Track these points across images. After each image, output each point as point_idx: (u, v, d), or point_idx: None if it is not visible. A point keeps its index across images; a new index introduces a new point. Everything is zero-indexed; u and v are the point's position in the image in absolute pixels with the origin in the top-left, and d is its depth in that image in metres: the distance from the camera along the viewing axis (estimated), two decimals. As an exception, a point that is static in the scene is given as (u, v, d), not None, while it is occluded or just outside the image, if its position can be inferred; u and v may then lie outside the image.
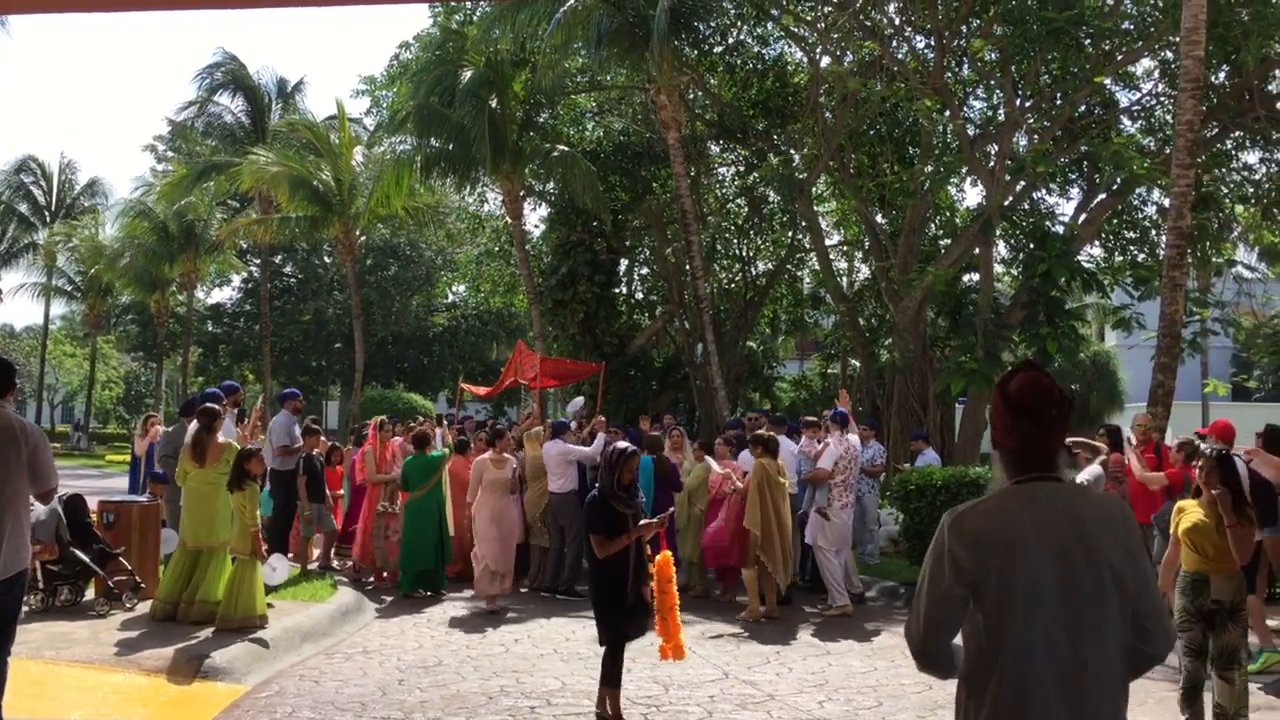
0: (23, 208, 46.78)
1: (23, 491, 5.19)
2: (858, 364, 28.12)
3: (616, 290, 26.27)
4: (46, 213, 46.97)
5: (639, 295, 28.68)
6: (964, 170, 20.54)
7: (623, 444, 6.98)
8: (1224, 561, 6.12)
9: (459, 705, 6.93)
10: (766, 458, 10.31)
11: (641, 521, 6.67)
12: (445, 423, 15.40)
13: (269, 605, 9.00)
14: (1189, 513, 6.34)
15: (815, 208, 23.07)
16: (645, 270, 28.65)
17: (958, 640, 2.81)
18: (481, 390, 23.21)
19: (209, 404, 9.45)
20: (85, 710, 6.33)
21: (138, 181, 47.31)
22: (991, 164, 18.98)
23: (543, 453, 11.88)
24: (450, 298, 45.51)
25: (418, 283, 42.98)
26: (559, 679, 7.73)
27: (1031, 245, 18.90)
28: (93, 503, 10.11)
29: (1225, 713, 6.07)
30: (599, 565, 6.59)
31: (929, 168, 19.77)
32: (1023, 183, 18.92)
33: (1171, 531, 6.47)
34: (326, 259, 42.94)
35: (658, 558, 6.68)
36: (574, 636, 9.35)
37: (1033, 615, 2.64)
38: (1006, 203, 18.66)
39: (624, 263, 26.83)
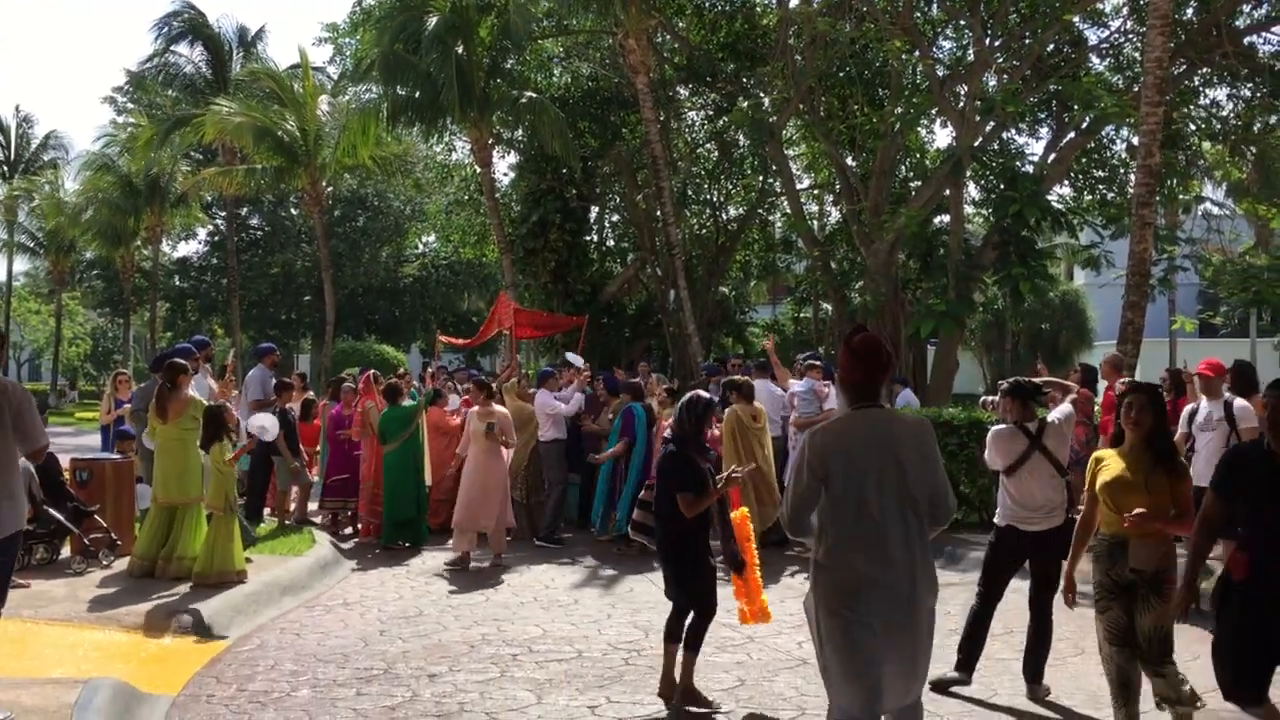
0: (-22, 162, 45.98)
1: (10, 452, 5.15)
2: (829, 307, 28.24)
3: (588, 238, 26.15)
4: (5, 167, 46.15)
5: (610, 243, 28.57)
6: (934, 111, 20.46)
7: (703, 394, 6.34)
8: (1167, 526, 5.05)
9: (441, 654, 6.98)
10: (741, 403, 10.36)
11: (723, 475, 6.12)
12: (430, 374, 15.41)
13: (247, 560, 9.01)
14: (1108, 464, 5.21)
15: (785, 151, 22.98)
16: (616, 217, 28.51)
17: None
18: (460, 341, 23.06)
19: (174, 359, 9.36)
20: (66, 667, 6.31)
21: (99, 132, 46.54)
22: (961, 104, 18.94)
23: (533, 403, 11.95)
24: (420, 248, 45.18)
25: (387, 233, 42.63)
26: (540, 626, 7.79)
27: (1002, 186, 18.93)
28: (65, 460, 10.04)
29: (1170, 701, 5.09)
30: (686, 527, 5.89)
31: (899, 109, 19.70)
32: (992, 123, 18.92)
33: (1087, 486, 5.36)
34: (294, 211, 42.48)
35: (734, 514, 6.40)
36: (553, 584, 9.41)
37: (859, 495, 3.99)
38: (976, 143, 18.65)
39: (594, 210, 26.68)
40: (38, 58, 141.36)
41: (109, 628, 7.37)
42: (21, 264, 51.50)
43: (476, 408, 10.93)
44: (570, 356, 14.66)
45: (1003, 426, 6.35)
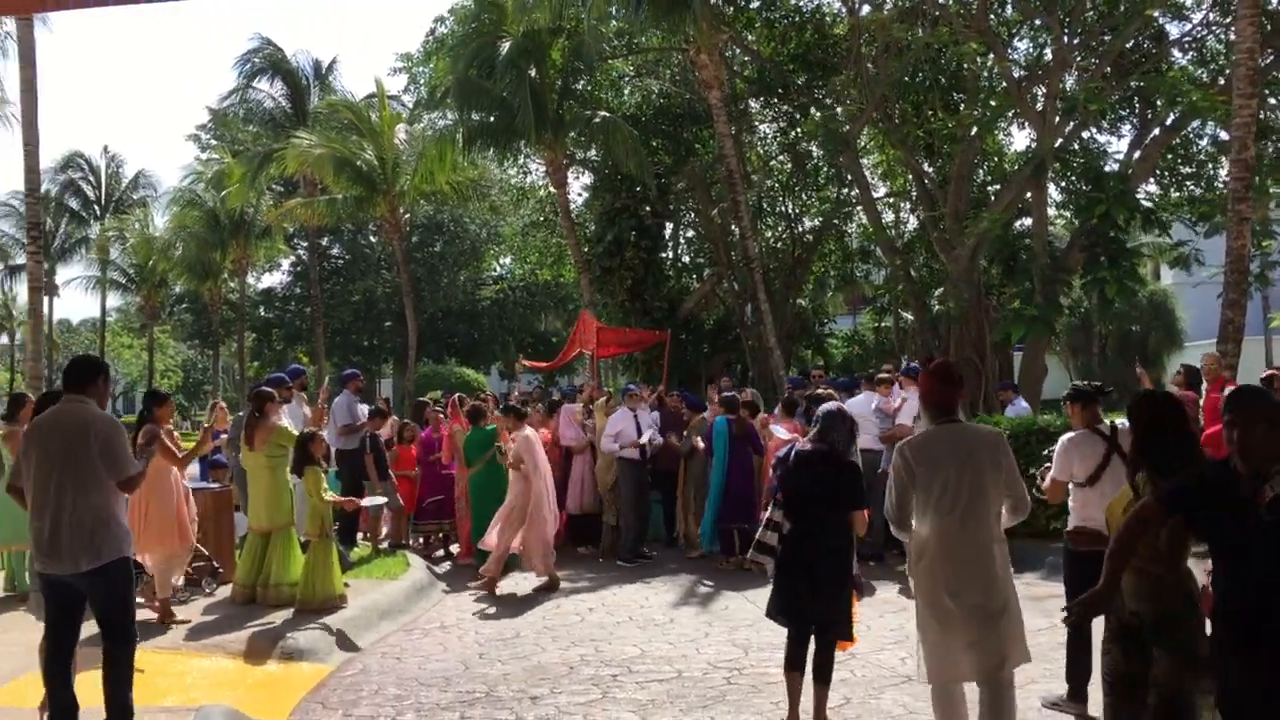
0: (73, 203, 47.41)
1: (97, 482, 5.26)
2: (909, 316, 27.86)
3: (663, 255, 26.18)
4: (96, 207, 47.63)
5: (686, 259, 28.55)
6: (1011, 113, 20.11)
7: (837, 404, 6.20)
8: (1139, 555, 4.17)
9: (541, 676, 6.97)
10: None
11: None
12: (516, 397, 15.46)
13: (345, 585, 9.10)
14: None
15: (860, 160, 22.78)
16: (691, 233, 28.50)
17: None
18: (543, 364, 23.10)
19: (262, 388, 9.52)
20: (176, 695, 6.42)
21: (184, 170, 47.84)
22: (1039, 105, 18.60)
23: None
24: (497, 270, 45.62)
25: (464, 257, 43.13)
26: (637, 646, 7.74)
27: (1085, 186, 18.54)
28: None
29: None
30: (849, 545, 5.78)
31: (976, 112, 19.40)
32: (1073, 123, 18.54)
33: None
34: (372, 238, 43.19)
35: None
36: (648, 603, 9.38)
37: (946, 498, 4.81)
38: (1057, 144, 18.29)
39: (669, 227, 26.70)
40: (124, 100, 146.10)
41: (215, 655, 7.49)
42: (114, 300, 53.07)
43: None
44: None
45: (1074, 433, 5.97)
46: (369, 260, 43.66)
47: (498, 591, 9.97)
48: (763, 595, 8.69)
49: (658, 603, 9.40)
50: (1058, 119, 17.91)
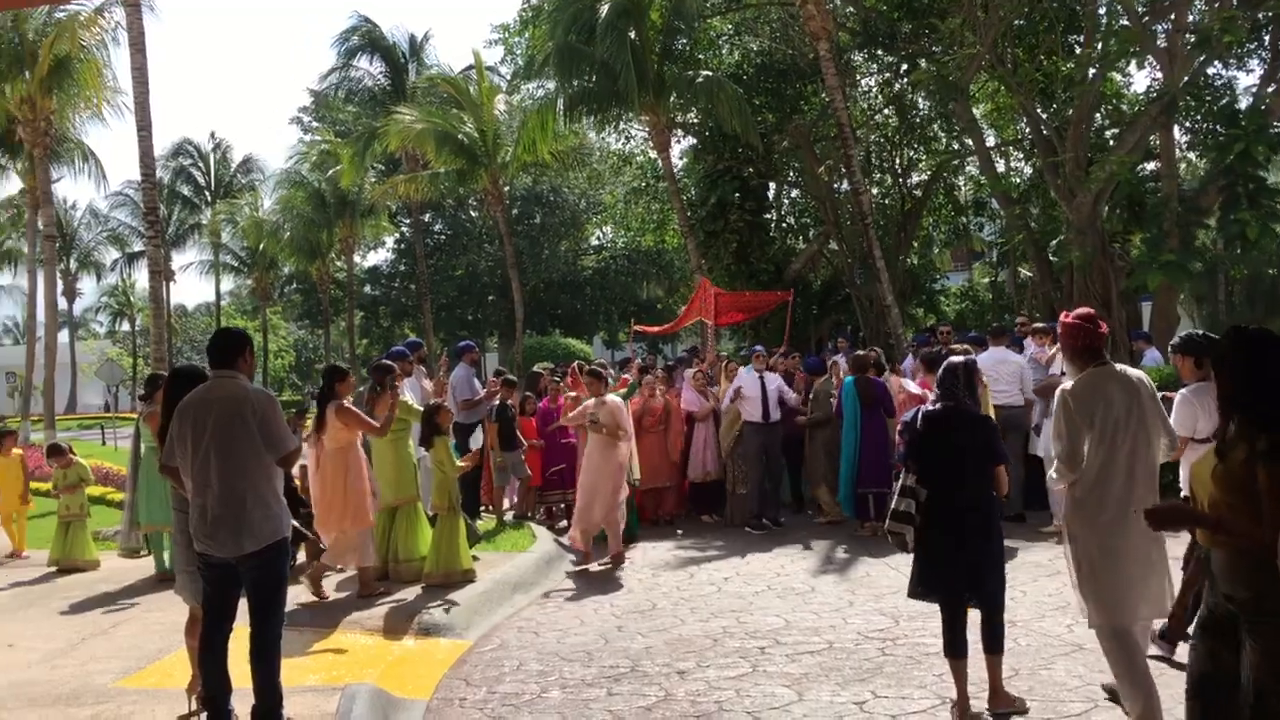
0: (185, 190, 48.69)
1: (256, 461, 5.13)
2: (1023, 270, 26.91)
3: (768, 216, 25.69)
4: (207, 192, 48.84)
5: (790, 220, 28.00)
6: (1131, 52, 19.09)
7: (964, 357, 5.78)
8: (1230, 529, 3.37)
9: (685, 649, 6.74)
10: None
11: None
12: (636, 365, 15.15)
13: (474, 558, 9.00)
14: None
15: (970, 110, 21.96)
16: (795, 193, 27.93)
17: None
18: (656, 329, 22.81)
19: (381, 362, 9.41)
20: (320, 674, 6.35)
21: (289, 152, 48.66)
22: (1161, 41, 17.60)
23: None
24: (597, 240, 45.52)
25: (564, 228, 43.12)
26: (780, 616, 7.46)
27: (1214, 125, 17.55)
28: (294, 468, 10.25)
29: None
30: (996, 507, 5.44)
31: (1096, 51, 18.45)
32: (1202, 58, 17.52)
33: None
34: (473, 213, 43.43)
35: None
36: (784, 571, 9.09)
37: (1116, 437, 4.84)
38: (1183, 81, 17.30)
39: (772, 187, 26.18)
40: (229, 86, 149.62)
41: (352, 631, 7.42)
42: (226, 283, 54.48)
43: (593, 399, 10.05)
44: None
45: (1195, 385, 5.67)
46: (470, 235, 43.95)
47: (625, 562, 9.78)
48: (904, 561, 8.34)
49: (795, 570, 9.11)
50: (1187, 52, 16.92)
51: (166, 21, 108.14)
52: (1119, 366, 5.13)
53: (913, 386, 10.74)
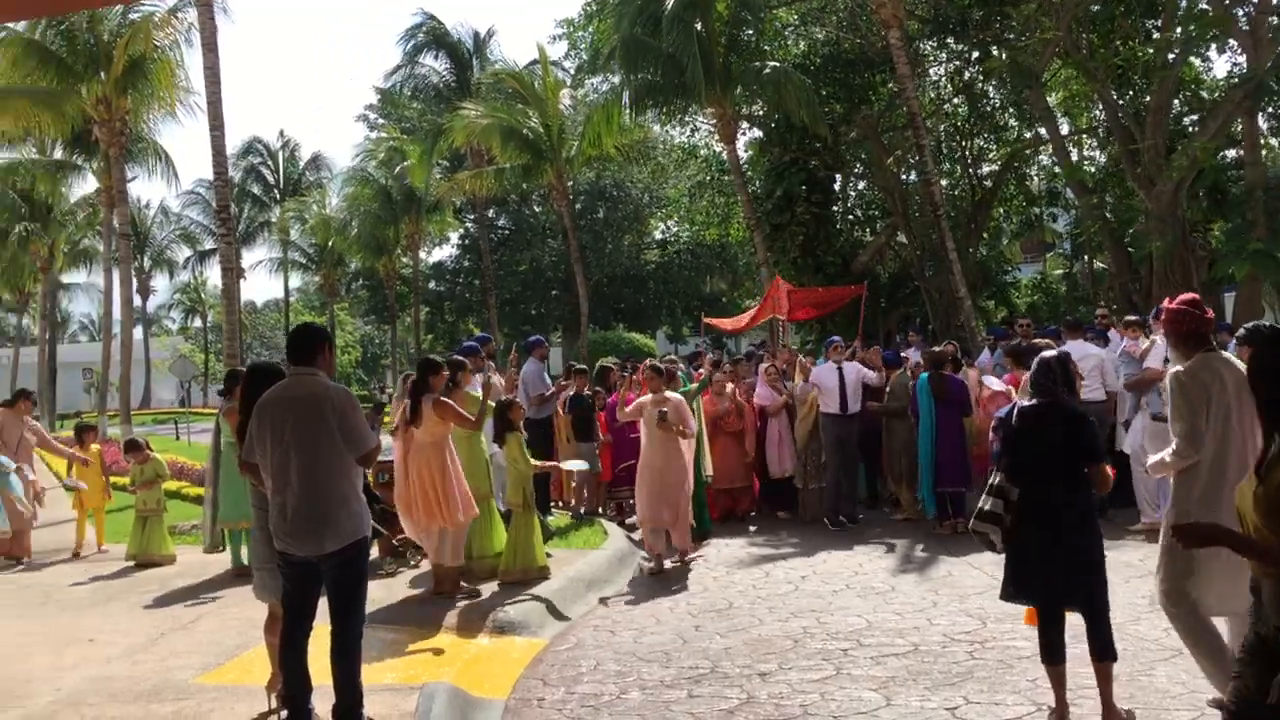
0: (255, 189, 49.41)
1: (337, 459, 5.06)
2: (1096, 261, 26.25)
3: (834, 208, 25.39)
4: (276, 190, 49.53)
5: (857, 212, 27.65)
6: (1212, 35, 18.50)
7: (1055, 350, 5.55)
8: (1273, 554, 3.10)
9: (765, 650, 6.59)
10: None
11: None
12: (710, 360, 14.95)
13: (548, 555, 8.92)
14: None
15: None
16: (862, 185, 27.59)
17: None
18: (728, 324, 22.54)
19: (455, 357, 9.33)
20: (397, 673, 6.29)
21: (356, 150, 49.12)
22: (1243, 24, 17.02)
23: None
24: (660, 234, 45.37)
25: (627, 222, 43.02)
26: (861, 616, 7.28)
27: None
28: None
29: None
30: (1094, 507, 5.22)
31: (1176, 34, 17.92)
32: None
33: None
34: (536, 208, 43.51)
35: None
36: (863, 570, 8.90)
37: (1230, 419, 4.83)
38: (1269, 65, 16.73)
39: (838, 179, 25.86)
40: (297, 85, 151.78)
41: (427, 628, 7.36)
42: (295, 280, 55.23)
43: (650, 395, 9.67)
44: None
45: None
46: (534, 230, 44.02)
47: (698, 557, 9.65)
48: (988, 561, 8.15)
49: (874, 569, 8.91)
50: (1270, 35, 16.37)
51: (238, 22, 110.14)
52: (1225, 354, 5.12)
53: (996, 384, 10.45)
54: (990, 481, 5.19)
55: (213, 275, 56.20)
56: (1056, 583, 5.02)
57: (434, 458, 8.05)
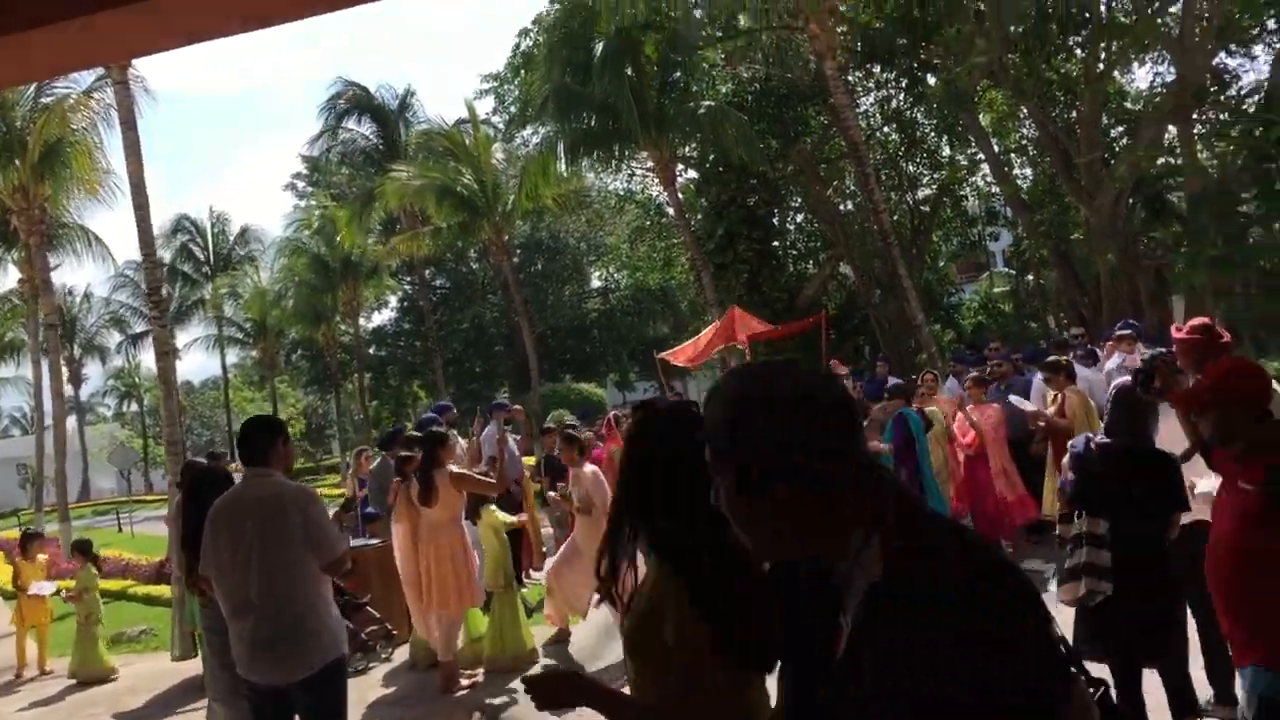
0: (185, 267, 48.29)
1: (305, 569, 4.45)
2: (1035, 278, 26.38)
3: (775, 244, 25.30)
4: (207, 267, 48.44)
5: (799, 245, 27.60)
6: (1144, 45, 18.68)
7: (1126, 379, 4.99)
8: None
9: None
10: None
11: None
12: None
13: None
14: None
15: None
16: (800, 218, 27.56)
17: None
18: (684, 357, 21.60)
19: (432, 430, 8.56)
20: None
21: (286, 220, 48.35)
22: (1171, 29, 17.19)
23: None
24: (599, 282, 45.13)
25: (566, 273, 42.71)
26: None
27: (1227, 115, 17.18)
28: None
29: None
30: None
31: (1104, 49, 18.07)
32: (1210, 45, 17.10)
33: None
34: (474, 265, 43.04)
35: None
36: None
37: None
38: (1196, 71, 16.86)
39: (777, 214, 25.81)
40: (220, 159, 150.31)
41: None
42: (232, 356, 54.00)
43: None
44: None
45: None
46: (474, 287, 43.51)
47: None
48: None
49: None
50: (1197, 38, 16.50)
51: (161, 104, 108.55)
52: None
53: (1026, 405, 9.71)
54: (1080, 529, 4.65)
55: (146, 358, 54.85)
56: (1136, 641, 4.48)
57: (453, 535, 7.55)
